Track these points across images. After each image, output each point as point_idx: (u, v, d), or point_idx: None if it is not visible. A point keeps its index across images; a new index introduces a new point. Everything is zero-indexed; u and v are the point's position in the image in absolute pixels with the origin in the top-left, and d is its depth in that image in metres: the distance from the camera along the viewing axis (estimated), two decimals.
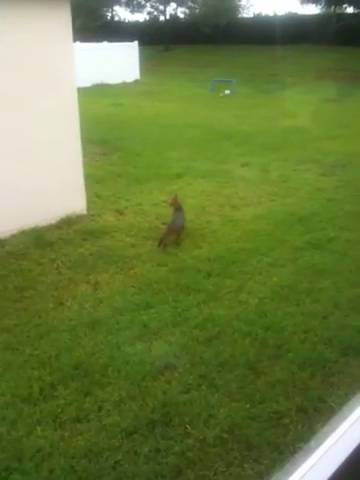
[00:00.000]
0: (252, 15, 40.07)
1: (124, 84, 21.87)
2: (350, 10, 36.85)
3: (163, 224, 6.38)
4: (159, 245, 5.70)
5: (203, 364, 3.67)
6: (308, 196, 7.50)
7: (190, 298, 4.61)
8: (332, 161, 9.25)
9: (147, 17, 41.91)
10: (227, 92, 18.88)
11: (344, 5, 36.64)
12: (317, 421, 3.07)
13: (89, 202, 6.78)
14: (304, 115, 13.39)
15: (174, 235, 5.83)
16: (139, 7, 40.78)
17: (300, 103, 15.59)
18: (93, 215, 6.66)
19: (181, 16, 41.19)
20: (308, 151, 10.00)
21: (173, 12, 40.55)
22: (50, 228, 6.15)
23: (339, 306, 4.48)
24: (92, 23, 32.81)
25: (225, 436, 3.02)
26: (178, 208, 6.04)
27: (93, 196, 7.14)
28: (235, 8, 37.84)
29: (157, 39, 34.65)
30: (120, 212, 6.83)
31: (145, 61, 24.54)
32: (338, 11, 35.42)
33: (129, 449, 2.94)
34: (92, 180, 7.57)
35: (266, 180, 8.29)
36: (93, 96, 16.50)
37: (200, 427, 3.09)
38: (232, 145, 10.53)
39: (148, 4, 40.40)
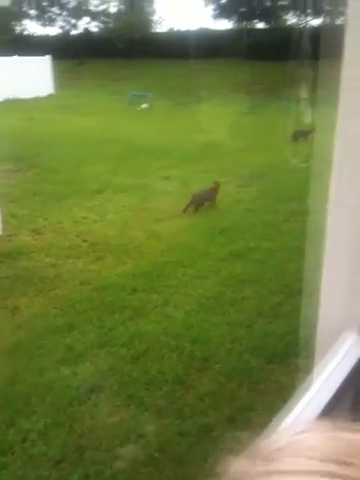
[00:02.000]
0: (166, 30, 40.68)
1: (37, 99, 21.34)
2: (261, 25, 38.36)
3: (84, 241, 6.25)
4: (186, 209, 7.27)
5: (131, 383, 3.61)
6: (228, 207, 7.67)
7: (115, 316, 4.53)
8: (249, 172, 9.52)
9: (59, 31, 41.29)
10: (144, 106, 19.00)
11: (254, 21, 38.08)
12: (246, 430, 3.10)
13: (4, 222, 6.49)
14: (221, 128, 13.72)
15: (198, 202, 7.39)
16: (50, 21, 40.11)
17: (217, 116, 15.97)
18: (9, 235, 6.38)
19: (95, 30, 41.01)
20: (226, 163, 10.25)
21: (86, 26, 40.31)
22: None
23: (262, 314, 4.60)
24: (1, 37, 31.83)
25: (156, 455, 2.97)
26: (214, 188, 7.55)
27: (8, 216, 6.84)
28: (148, 23, 38.29)
29: (71, 53, 34.19)
30: (37, 232, 6.59)
31: (59, 75, 24.16)
32: (249, 26, 36.76)
33: (58, 478, 2.82)
34: (6, 199, 7.24)
35: (187, 193, 8.34)
36: (4, 111, 15.96)
37: (130, 448, 3.03)
38: (152, 159, 10.57)
39: (59, 18, 39.84)
